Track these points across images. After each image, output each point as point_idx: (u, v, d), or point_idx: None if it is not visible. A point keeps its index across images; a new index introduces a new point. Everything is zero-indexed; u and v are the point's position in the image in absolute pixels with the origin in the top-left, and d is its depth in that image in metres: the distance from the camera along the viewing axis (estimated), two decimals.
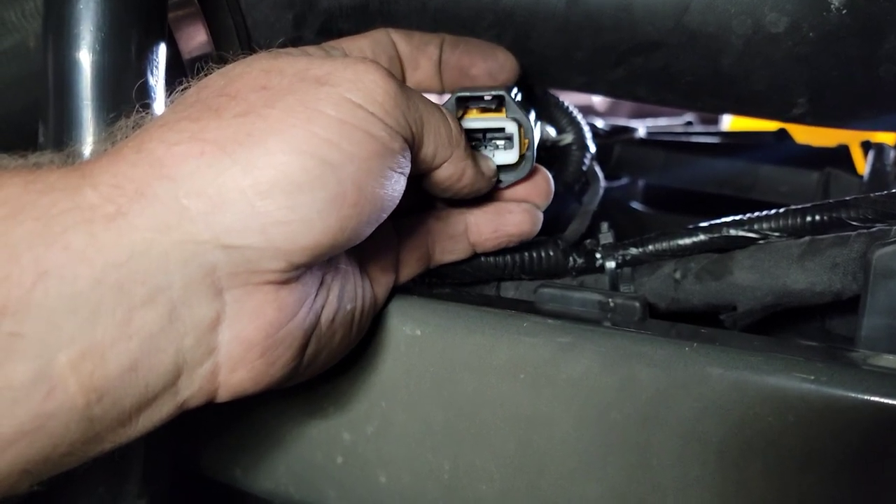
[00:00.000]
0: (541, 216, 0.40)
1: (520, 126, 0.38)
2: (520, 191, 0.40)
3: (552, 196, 0.41)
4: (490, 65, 0.42)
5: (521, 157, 0.38)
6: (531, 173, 0.39)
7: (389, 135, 0.29)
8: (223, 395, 0.29)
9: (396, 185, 0.30)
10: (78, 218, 0.24)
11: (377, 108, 0.28)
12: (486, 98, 0.38)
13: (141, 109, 0.30)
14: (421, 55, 0.40)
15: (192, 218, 0.25)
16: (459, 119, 0.38)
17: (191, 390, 0.27)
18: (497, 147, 0.38)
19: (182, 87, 0.30)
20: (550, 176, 0.40)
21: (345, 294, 0.33)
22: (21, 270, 0.23)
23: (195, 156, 0.26)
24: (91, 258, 0.24)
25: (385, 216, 0.30)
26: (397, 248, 0.37)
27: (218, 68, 0.30)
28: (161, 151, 0.26)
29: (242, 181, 0.26)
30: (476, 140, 0.38)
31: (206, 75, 0.30)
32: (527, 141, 0.38)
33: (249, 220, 0.26)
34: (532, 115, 0.39)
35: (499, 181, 0.38)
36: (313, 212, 0.26)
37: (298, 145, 0.26)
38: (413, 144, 0.31)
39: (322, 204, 0.26)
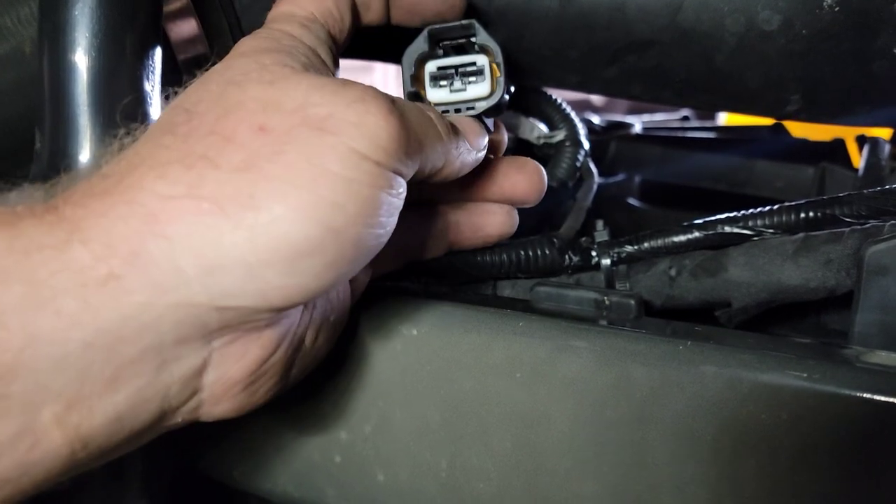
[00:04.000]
0: (517, 216, 0.41)
1: (489, 55, 0.38)
2: (518, 187, 0.40)
3: (545, 190, 0.41)
4: (437, 4, 0.39)
5: (494, 85, 0.39)
6: (521, 164, 0.40)
7: (391, 182, 0.28)
8: (204, 420, 0.29)
9: (390, 227, 0.29)
10: (69, 282, 0.23)
11: (382, 155, 0.27)
12: (456, 29, 0.38)
13: (125, 135, 0.29)
14: None
15: (189, 281, 0.24)
16: (432, 56, 0.39)
17: (172, 423, 0.28)
18: (469, 81, 0.38)
19: (170, 97, 0.29)
20: (543, 170, 0.41)
21: (328, 307, 0.33)
22: (9, 335, 0.22)
23: (192, 213, 0.25)
24: (83, 322, 0.23)
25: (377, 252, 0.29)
26: None
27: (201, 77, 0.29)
28: (154, 205, 0.25)
29: (243, 248, 0.25)
30: (448, 77, 0.38)
31: (194, 81, 0.29)
32: (496, 66, 0.38)
33: (247, 284, 0.25)
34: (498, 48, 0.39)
35: (472, 108, 0.38)
36: (310, 275, 0.26)
37: (304, 211, 0.25)
38: (413, 172, 0.30)
39: (321, 268, 0.26)
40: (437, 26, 0.38)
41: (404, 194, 0.29)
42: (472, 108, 0.38)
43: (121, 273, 0.24)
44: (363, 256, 0.28)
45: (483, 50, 0.39)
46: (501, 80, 0.38)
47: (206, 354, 0.27)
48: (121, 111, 0.32)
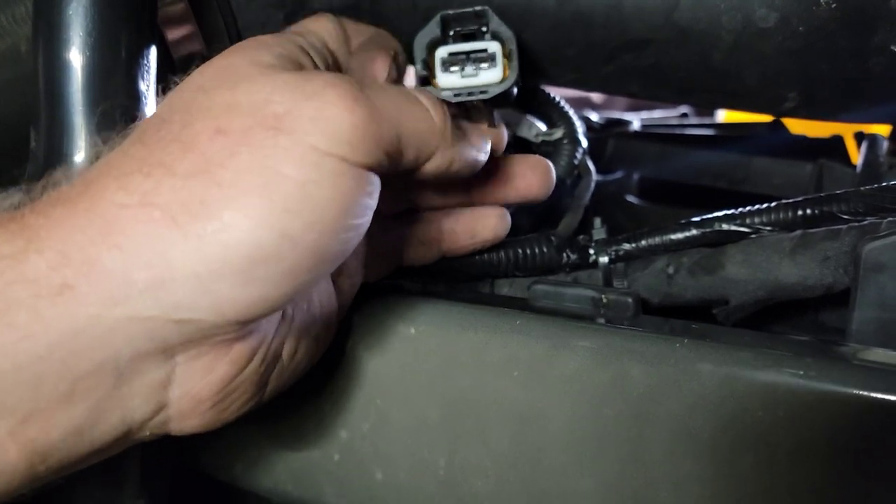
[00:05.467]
0: (510, 217, 0.41)
1: (502, 41, 0.38)
2: (533, 186, 0.40)
3: (553, 185, 0.41)
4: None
5: (506, 71, 0.38)
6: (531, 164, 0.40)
7: (358, 180, 0.26)
8: (175, 434, 0.29)
9: (360, 231, 0.27)
10: (23, 293, 0.23)
11: (344, 149, 0.25)
12: (469, 15, 0.38)
13: (101, 143, 0.28)
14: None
15: (140, 292, 0.24)
16: (444, 43, 0.38)
17: (140, 436, 0.27)
18: (481, 67, 0.38)
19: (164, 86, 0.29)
20: (552, 166, 0.41)
21: (310, 319, 0.32)
22: None
23: (143, 223, 0.24)
24: (35, 335, 0.23)
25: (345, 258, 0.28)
26: (364, 255, 0.37)
27: (179, 81, 0.28)
28: (111, 215, 0.24)
29: (192, 258, 0.24)
30: (459, 62, 0.38)
31: (176, 83, 0.28)
32: (509, 53, 0.38)
33: (199, 297, 0.24)
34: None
35: (485, 92, 0.38)
36: (268, 286, 0.25)
37: (255, 218, 0.24)
38: (389, 162, 0.28)
39: (278, 277, 0.25)
40: (450, 12, 0.38)
41: (377, 192, 0.28)
42: (485, 93, 0.38)
43: (74, 283, 0.23)
44: (327, 263, 0.27)
45: (495, 37, 0.38)
46: (515, 65, 0.38)
47: (169, 369, 0.26)
48: (116, 111, 0.32)
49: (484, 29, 0.38)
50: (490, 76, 0.38)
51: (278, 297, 0.26)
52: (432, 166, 0.32)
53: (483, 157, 0.35)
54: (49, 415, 0.23)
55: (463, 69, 0.38)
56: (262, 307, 0.25)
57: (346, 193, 0.26)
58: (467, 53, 0.38)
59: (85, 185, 0.25)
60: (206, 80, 0.27)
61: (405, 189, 0.39)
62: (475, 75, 0.38)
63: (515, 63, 0.38)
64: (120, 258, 0.24)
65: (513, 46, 0.38)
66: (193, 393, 0.27)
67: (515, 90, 0.39)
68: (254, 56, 0.28)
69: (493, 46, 0.38)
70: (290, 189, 0.24)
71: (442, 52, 0.38)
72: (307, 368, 0.34)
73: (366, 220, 0.28)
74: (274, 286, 0.25)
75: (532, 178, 0.40)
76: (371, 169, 0.27)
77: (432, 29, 0.38)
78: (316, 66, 0.32)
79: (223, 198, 0.24)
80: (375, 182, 0.28)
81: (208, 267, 0.24)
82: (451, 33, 0.39)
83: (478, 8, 0.38)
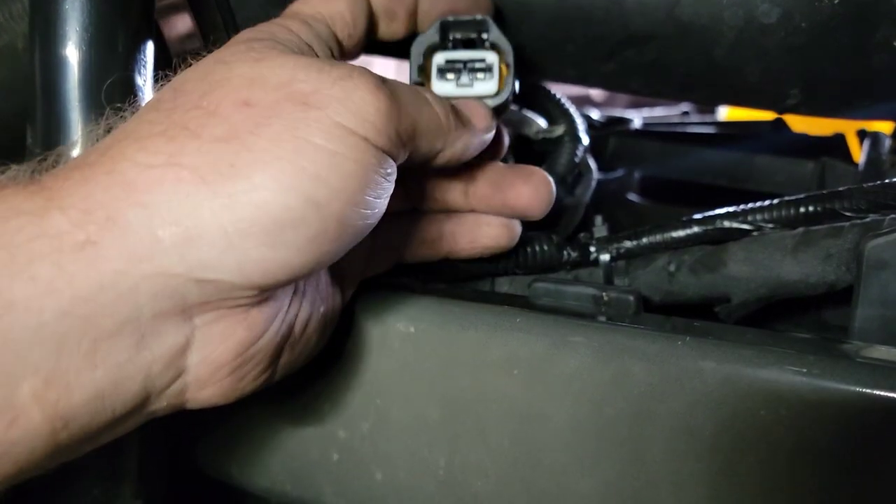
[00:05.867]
0: (519, 229, 0.40)
1: (500, 53, 0.38)
2: (521, 199, 0.38)
3: (552, 203, 0.39)
4: (468, 3, 0.39)
5: (502, 83, 0.38)
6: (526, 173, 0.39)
7: (379, 160, 0.28)
8: (191, 406, 0.29)
9: (379, 210, 0.29)
10: (46, 247, 0.23)
11: (368, 130, 0.27)
12: (470, 24, 0.38)
13: (112, 113, 0.29)
14: (398, 5, 0.38)
15: (166, 249, 0.24)
16: (442, 48, 0.38)
17: (157, 407, 0.27)
18: (477, 78, 0.38)
19: (161, 83, 0.29)
20: (552, 181, 0.39)
21: (318, 297, 0.32)
22: None
23: (171, 182, 0.24)
24: (58, 290, 0.23)
25: (365, 236, 0.29)
26: (368, 248, 0.37)
27: (195, 63, 0.29)
28: (134, 174, 0.25)
29: (221, 216, 0.24)
30: (456, 71, 0.38)
31: (187, 66, 0.29)
32: (506, 66, 0.38)
33: (225, 256, 0.25)
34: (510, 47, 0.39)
35: None
36: (292, 250, 0.26)
37: (285, 181, 0.25)
38: (405, 153, 0.30)
39: (302, 242, 0.26)
40: (450, 18, 0.38)
41: (394, 176, 0.29)
42: None
43: (97, 239, 0.23)
44: (348, 236, 0.27)
45: (494, 47, 0.38)
46: (510, 79, 0.38)
47: (189, 332, 0.26)
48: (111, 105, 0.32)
49: (484, 37, 0.38)
50: (485, 88, 0.38)
51: (301, 264, 0.26)
52: (443, 159, 0.33)
53: (491, 134, 0.36)
54: (72, 377, 0.23)
55: (459, 78, 0.38)
56: (286, 272, 0.26)
57: (370, 168, 0.27)
58: (464, 62, 0.38)
59: (103, 150, 0.26)
60: (224, 56, 0.28)
61: (407, 189, 0.39)
62: (470, 85, 0.38)
63: (511, 77, 0.38)
64: (144, 215, 0.24)
65: (510, 60, 0.38)
66: (212, 359, 0.27)
67: (512, 99, 0.39)
68: (273, 44, 0.30)
69: (491, 57, 0.38)
70: (320, 157, 0.26)
71: (439, 59, 0.38)
72: (317, 348, 0.34)
73: (383, 201, 0.29)
74: (298, 252, 0.26)
75: (522, 190, 0.38)
76: (389, 154, 0.28)
77: (431, 35, 0.38)
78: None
79: (254, 161, 0.25)
80: (393, 167, 0.29)
81: (237, 226, 0.24)
82: (451, 40, 0.39)
83: (478, 17, 0.38)
